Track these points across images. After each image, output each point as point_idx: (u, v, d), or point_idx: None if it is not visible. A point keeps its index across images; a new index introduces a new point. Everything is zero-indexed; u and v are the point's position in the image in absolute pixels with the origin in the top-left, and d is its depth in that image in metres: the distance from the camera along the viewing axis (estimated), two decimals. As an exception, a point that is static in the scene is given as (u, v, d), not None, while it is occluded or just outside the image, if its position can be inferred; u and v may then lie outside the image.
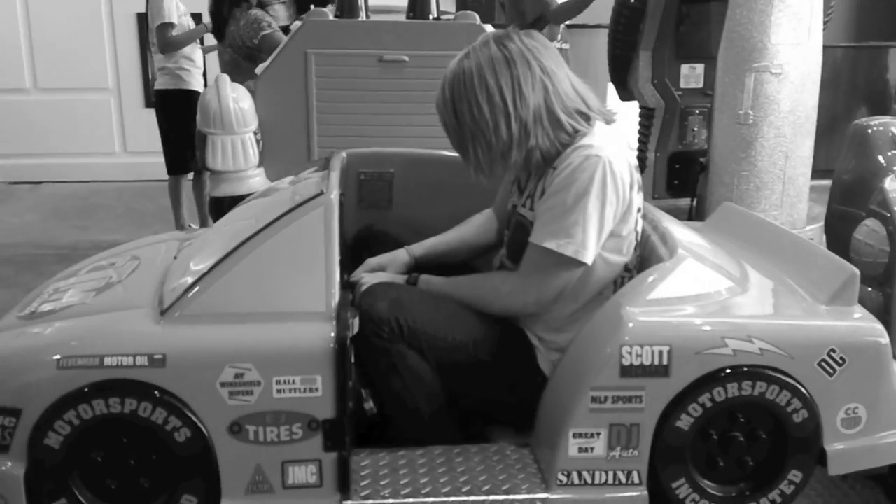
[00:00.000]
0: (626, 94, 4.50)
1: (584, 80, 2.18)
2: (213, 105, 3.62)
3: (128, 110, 6.73)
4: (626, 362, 1.89)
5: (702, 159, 3.91)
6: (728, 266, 2.18)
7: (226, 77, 3.76)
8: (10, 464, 1.85)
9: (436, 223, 2.48)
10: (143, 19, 6.47)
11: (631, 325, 1.90)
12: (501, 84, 2.04)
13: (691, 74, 4.31)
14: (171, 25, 5.03)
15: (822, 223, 2.96)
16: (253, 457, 1.89)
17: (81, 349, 1.85)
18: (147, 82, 6.62)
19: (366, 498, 1.91)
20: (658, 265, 2.07)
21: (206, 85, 5.05)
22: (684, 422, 1.93)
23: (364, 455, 2.05)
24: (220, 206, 3.49)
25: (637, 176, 2.14)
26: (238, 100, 3.65)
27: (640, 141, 4.49)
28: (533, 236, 2.08)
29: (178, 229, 5.08)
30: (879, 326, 2.01)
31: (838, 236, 2.64)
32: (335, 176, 2.21)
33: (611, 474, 1.95)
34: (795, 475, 2.00)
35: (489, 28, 3.58)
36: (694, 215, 3.92)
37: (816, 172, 3.78)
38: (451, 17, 4.03)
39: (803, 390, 1.94)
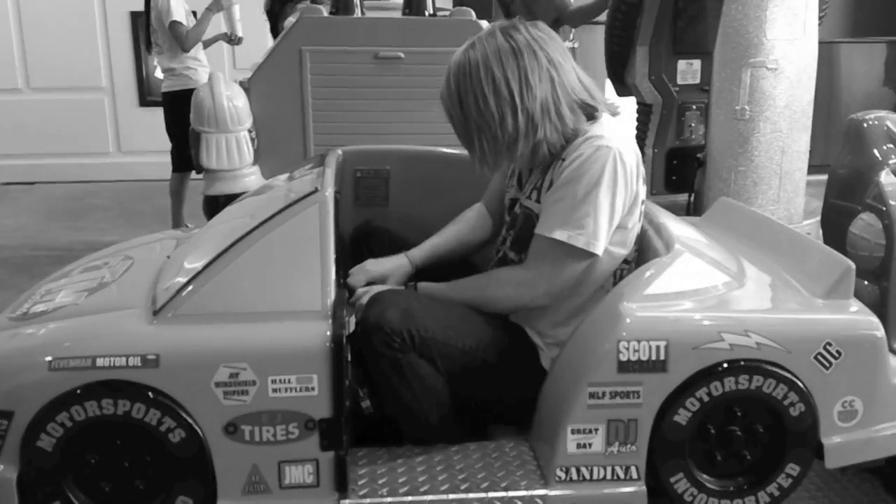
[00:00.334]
0: (623, 89, 4.50)
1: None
2: (207, 103, 3.62)
3: (122, 110, 6.72)
4: (623, 357, 1.88)
5: (699, 155, 3.90)
6: (724, 261, 2.17)
7: (220, 75, 3.75)
8: (2, 467, 1.83)
9: (433, 220, 2.47)
10: (136, 18, 6.46)
11: (628, 320, 1.89)
12: (508, 75, 2.00)
13: (688, 70, 4.31)
14: (181, 23, 5.03)
15: (818, 218, 2.95)
16: (249, 457, 1.87)
17: (73, 350, 1.83)
18: (141, 81, 6.62)
19: (363, 497, 1.90)
20: (655, 260, 2.06)
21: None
22: (682, 416, 1.92)
23: (361, 454, 2.04)
24: (215, 205, 3.49)
25: (642, 167, 2.14)
26: (232, 98, 3.65)
27: (637, 137, 4.49)
28: (540, 227, 2.06)
29: (175, 228, 5.07)
30: (875, 319, 2.01)
31: (835, 231, 2.63)
32: (330, 173, 2.20)
33: (609, 470, 1.94)
34: (793, 469, 1.99)
35: (485, 24, 3.57)
36: (692, 211, 3.91)
37: (813, 168, 3.77)
38: (447, 13, 4.02)
39: (800, 384, 1.94)
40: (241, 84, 3.79)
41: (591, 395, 1.90)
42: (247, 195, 2.64)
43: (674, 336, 1.89)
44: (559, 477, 1.94)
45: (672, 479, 1.96)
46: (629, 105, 4.51)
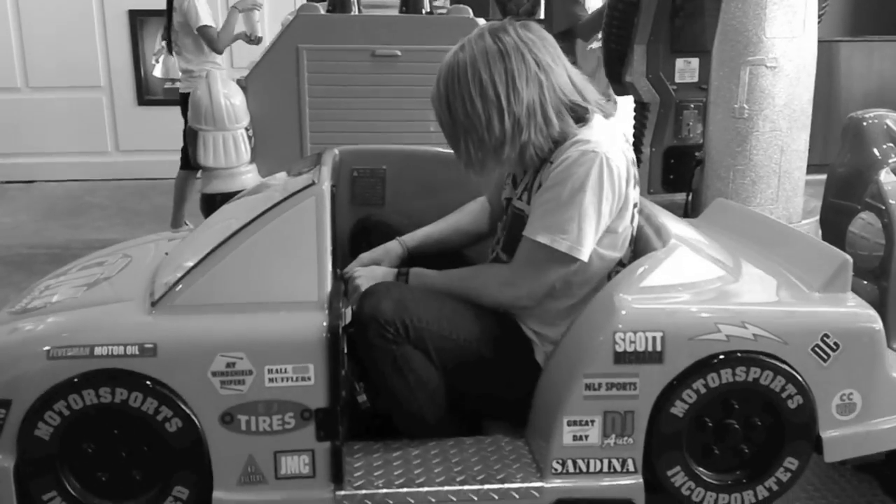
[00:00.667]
0: (620, 88, 4.49)
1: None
2: (205, 101, 3.62)
3: (120, 109, 6.71)
4: (619, 349, 1.88)
5: (697, 154, 3.90)
6: (721, 256, 2.18)
7: (216, 73, 3.75)
8: (0, 456, 1.84)
9: (430, 220, 2.46)
10: (134, 17, 6.46)
11: (624, 311, 1.90)
12: (495, 78, 2.01)
13: (686, 68, 4.30)
14: (210, 26, 5.04)
15: (817, 217, 2.95)
16: (245, 447, 1.88)
17: (72, 339, 1.84)
18: (140, 81, 6.62)
19: (359, 488, 1.90)
20: (650, 254, 2.06)
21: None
22: (679, 408, 1.92)
23: (358, 447, 2.03)
24: (212, 203, 3.49)
25: (634, 171, 2.12)
26: (230, 96, 3.65)
27: (635, 136, 4.48)
28: (527, 230, 2.07)
29: (174, 226, 5.07)
30: (873, 312, 2.01)
31: (834, 230, 2.64)
32: (327, 170, 2.20)
33: (606, 462, 1.94)
34: (791, 462, 1.99)
35: (482, 22, 3.57)
36: (689, 210, 3.91)
37: (812, 167, 3.77)
38: (444, 11, 4.02)
39: (798, 376, 1.94)
40: (239, 82, 3.78)
41: (587, 387, 1.90)
42: (244, 193, 2.64)
43: (670, 327, 1.89)
44: (555, 469, 1.94)
45: (669, 473, 1.96)
46: (627, 103, 4.52)
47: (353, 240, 2.52)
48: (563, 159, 2.02)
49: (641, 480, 1.95)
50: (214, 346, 1.84)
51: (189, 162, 5.13)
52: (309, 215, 1.99)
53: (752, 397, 1.95)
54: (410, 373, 2.00)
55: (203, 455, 1.86)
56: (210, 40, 5.03)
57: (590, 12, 5.17)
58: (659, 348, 1.89)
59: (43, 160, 6.68)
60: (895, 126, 2.64)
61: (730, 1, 3.50)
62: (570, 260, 2.03)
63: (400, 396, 2.02)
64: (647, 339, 1.88)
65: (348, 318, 1.95)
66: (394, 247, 2.34)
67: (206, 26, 5.00)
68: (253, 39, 5.33)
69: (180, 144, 4.97)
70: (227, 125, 3.64)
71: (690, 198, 3.95)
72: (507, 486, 1.91)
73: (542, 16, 6.71)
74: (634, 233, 2.19)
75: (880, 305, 2.34)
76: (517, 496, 1.91)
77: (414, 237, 2.38)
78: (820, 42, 3.61)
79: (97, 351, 1.82)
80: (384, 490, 1.89)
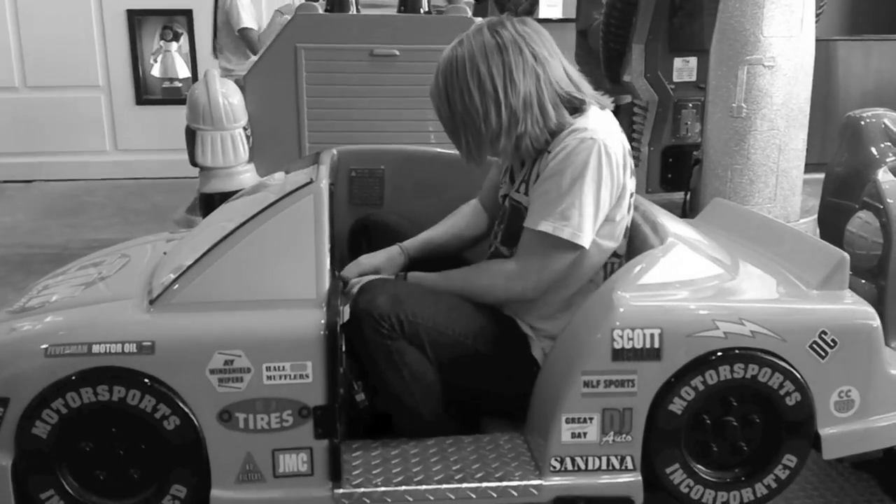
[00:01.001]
0: (618, 88, 4.49)
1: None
2: (203, 101, 3.62)
3: (118, 108, 6.71)
4: (617, 346, 1.88)
5: (695, 153, 3.91)
6: (718, 254, 2.18)
7: (215, 72, 3.75)
8: (-3, 454, 1.84)
9: (428, 220, 2.47)
10: (132, 16, 6.46)
11: (622, 308, 1.89)
12: (493, 71, 2.03)
13: (684, 68, 4.31)
14: (252, 29, 5.03)
15: (815, 216, 2.96)
16: (243, 445, 1.87)
17: (70, 337, 1.84)
18: (138, 80, 6.61)
19: (358, 486, 1.90)
20: (648, 251, 2.07)
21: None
22: (677, 406, 1.92)
23: (356, 446, 2.03)
24: (210, 203, 3.49)
25: (630, 160, 2.14)
26: (227, 95, 3.65)
27: (633, 135, 4.48)
28: (528, 220, 2.07)
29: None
30: (870, 309, 2.01)
31: (832, 229, 2.63)
32: (325, 169, 2.21)
33: (604, 460, 1.94)
34: (790, 460, 1.99)
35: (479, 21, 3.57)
36: (687, 209, 3.91)
37: (810, 166, 3.78)
38: (443, 10, 4.02)
39: (795, 373, 1.94)
40: (237, 81, 3.78)
41: (586, 384, 1.90)
42: (242, 193, 2.64)
43: (668, 324, 1.89)
44: (554, 467, 1.94)
45: (668, 470, 1.96)
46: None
47: (351, 240, 2.52)
48: (561, 148, 2.03)
49: (640, 478, 1.95)
50: (212, 343, 1.84)
51: None
52: (307, 213, 1.99)
53: (751, 394, 1.95)
54: (405, 367, 2.00)
55: (201, 453, 1.86)
56: (250, 43, 5.03)
57: None
58: (657, 345, 1.88)
59: (41, 159, 6.68)
60: (893, 125, 2.64)
61: (727, 0, 3.51)
62: (572, 247, 2.04)
63: (396, 392, 2.02)
64: (644, 335, 1.88)
65: (346, 317, 1.95)
66: (396, 255, 2.33)
67: (247, 28, 4.99)
68: None
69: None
70: (225, 124, 3.64)
71: (688, 197, 3.95)
72: (505, 483, 1.91)
73: (539, 15, 6.72)
74: (629, 223, 2.19)
75: (878, 304, 2.34)
76: (515, 494, 1.91)
77: (415, 243, 2.37)
78: (818, 41, 3.62)
79: (95, 349, 1.82)
80: (382, 488, 1.89)
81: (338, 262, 2.29)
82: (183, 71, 6.63)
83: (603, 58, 4.43)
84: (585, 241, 2.04)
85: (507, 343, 2.13)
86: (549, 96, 2.07)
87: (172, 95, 6.55)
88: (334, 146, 2.66)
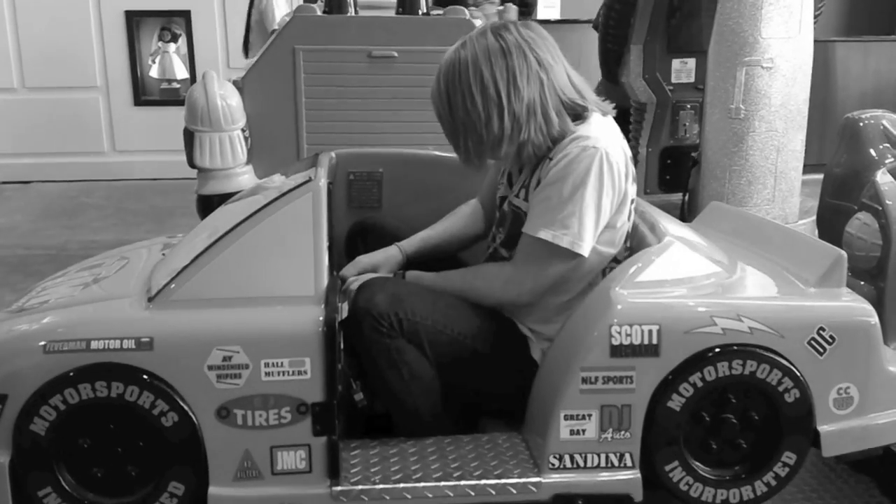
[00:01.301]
0: (616, 89, 4.50)
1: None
2: (201, 102, 3.61)
3: (116, 109, 6.69)
4: (615, 342, 1.88)
5: (694, 154, 3.91)
6: (716, 253, 2.18)
7: (213, 74, 3.74)
8: (-5, 451, 1.83)
9: (426, 224, 2.46)
10: (130, 17, 6.46)
11: (620, 305, 1.90)
12: (496, 75, 2.01)
13: (682, 69, 4.32)
14: None
15: (814, 217, 2.96)
16: (241, 442, 1.87)
17: (68, 334, 1.84)
18: (136, 81, 6.59)
19: (356, 484, 1.89)
20: (645, 250, 2.07)
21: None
22: (676, 402, 1.92)
23: (354, 445, 2.03)
24: (209, 205, 3.48)
25: (631, 167, 2.14)
26: (226, 97, 3.64)
27: (631, 136, 4.49)
28: (527, 226, 2.07)
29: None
30: (868, 307, 2.02)
31: (831, 230, 2.64)
32: (323, 170, 2.21)
33: (603, 457, 1.94)
34: (789, 457, 1.99)
35: (478, 23, 3.57)
36: (686, 210, 3.91)
37: (808, 167, 3.78)
38: (441, 12, 4.02)
39: (794, 369, 1.94)
40: (235, 83, 3.78)
41: (584, 381, 1.90)
42: (240, 194, 2.63)
43: (666, 320, 1.89)
44: (552, 464, 1.94)
45: (667, 468, 1.96)
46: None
47: (349, 242, 2.52)
48: (563, 156, 2.02)
49: (639, 475, 1.95)
50: (211, 340, 1.83)
51: None
52: (306, 210, 1.99)
53: (749, 391, 1.95)
54: (404, 366, 2.00)
55: (199, 450, 1.86)
56: None
57: None
58: (655, 341, 1.88)
59: (39, 160, 6.65)
60: (891, 126, 2.64)
61: (726, 1, 3.52)
62: (571, 255, 2.03)
63: (395, 390, 2.02)
64: (642, 332, 1.88)
65: (345, 314, 1.95)
66: (394, 253, 2.33)
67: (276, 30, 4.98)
68: None
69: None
70: (223, 126, 3.63)
71: (687, 198, 3.96)
72: (504, 481, 1.91)
73: (538, 17, 6.73)
74: (630, 229, 2.19)
75: (877, 306, 2.35)
76: (514, 491, 1.91)
77: (412, 243, 2.37)
78: (816, 42, 3.63)
79: (93, 345, 1.81)
80: (381, 485, 1.89)
81: (336, 266, 2.28)
82: (181, 72, 6.61)
83: (601, 59, 4.44)
84: (585, 249, 2.03)
85: (507, 343, 2.12)
86: (553, 103, 2.05)
87: (171, 96, 6.53)
88: (333, 148, 2.65)
